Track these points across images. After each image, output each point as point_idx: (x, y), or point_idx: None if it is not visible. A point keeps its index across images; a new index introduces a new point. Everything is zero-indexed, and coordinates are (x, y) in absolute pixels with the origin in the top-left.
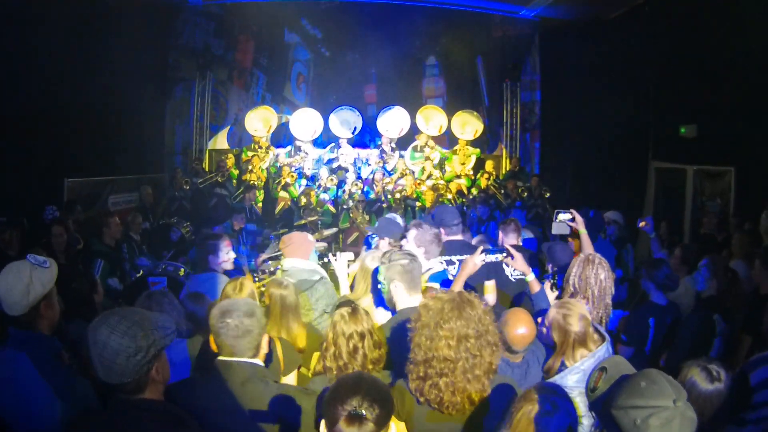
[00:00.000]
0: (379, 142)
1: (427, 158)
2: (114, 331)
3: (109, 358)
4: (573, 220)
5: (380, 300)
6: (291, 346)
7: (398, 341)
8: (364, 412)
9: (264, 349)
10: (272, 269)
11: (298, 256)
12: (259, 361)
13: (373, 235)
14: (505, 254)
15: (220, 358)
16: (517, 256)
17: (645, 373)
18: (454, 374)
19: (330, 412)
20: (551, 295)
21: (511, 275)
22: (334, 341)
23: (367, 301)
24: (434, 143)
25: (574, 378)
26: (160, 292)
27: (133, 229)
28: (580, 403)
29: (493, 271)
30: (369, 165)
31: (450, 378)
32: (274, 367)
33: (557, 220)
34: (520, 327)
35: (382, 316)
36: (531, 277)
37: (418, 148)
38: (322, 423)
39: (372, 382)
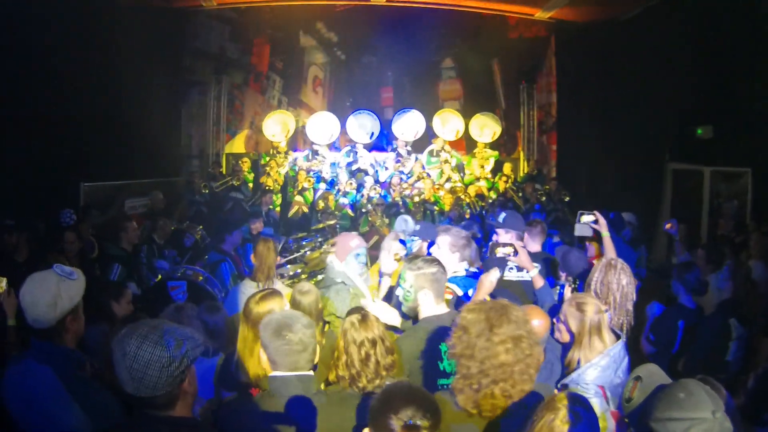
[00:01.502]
0: (395, 145)
1: (445, 161)
2: (145, 341)
3: (140, 369)
4: (596, 222)
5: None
6: None
7: (427, 349)
8: (419, 422)
9: (316, 359)
10: (291, 273)
11: (336, 256)
12: (312, 373)
13: (413, 238)
14: (512, 250)
15: (276, 374)
16: (522, 252)
17: (683, 383)
18: (512, 378)
19: (382, 422)
20: None
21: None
22: (345, 349)
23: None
24: (450, 147)
25: (593, 374)
26: (190, 306)
27: (158, 233)
28: (596, 404)
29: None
30: (386, 169)
31: (508, 383)
32: None
33: (580, 222)
34: (536, 319)
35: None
36: (534, 272)
37: (434, 153)
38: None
39: (423, 391)
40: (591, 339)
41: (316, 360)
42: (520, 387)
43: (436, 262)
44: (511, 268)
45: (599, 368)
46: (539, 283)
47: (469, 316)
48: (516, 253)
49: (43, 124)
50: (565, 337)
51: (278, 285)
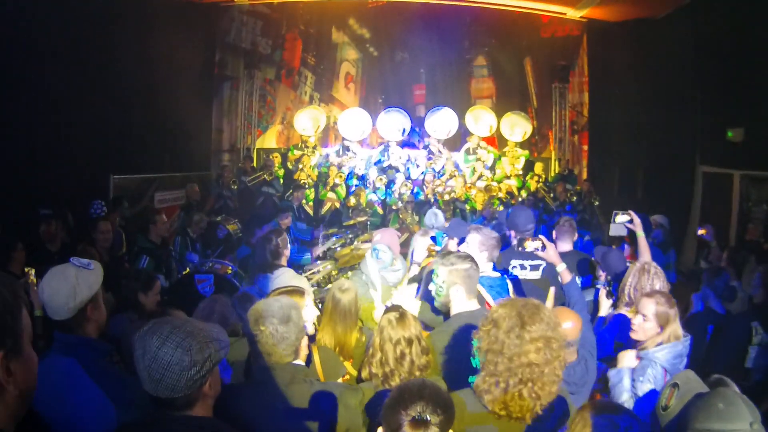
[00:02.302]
0: (426, 142)
1: (479, 159)
2: (166, 342)
3: (159, 371)
4: (631, 221)
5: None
6: (333, 355)
7: (458, 345)
8: (428, 417)
9: (304, 351)
10: (321, 269)
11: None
12: (300, 361)
13: (443, 234)
14: (540, 245)
15: (260, 363)
16: (549, 246)
17: (721, 393)
18: (542, 379)
19: (392, 417)
20: (606, 302)
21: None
22: (380, 347)
23: None
24: (486, 144)
25: (666, 354)
26: (224, 297)
27: (192, 227)
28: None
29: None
30: (418, 166)
31: (537, 384)
32: (313, 373)
33: (615, 222)
34: (568, 321)
35: None
36: (561, 267)
37: (471, 151)
38: (380, 430)
39: (435, 387)
40: (674, 325)
41: (305, 352)
42: (549, 389)
43: (469, 258)
44: (522, 267)
45: (674, 352)
46: (567, 277)
47: (500, 310)
48: (544, 247)
49: (74, 116)
50: (650, 333)
51: (288, 275)
